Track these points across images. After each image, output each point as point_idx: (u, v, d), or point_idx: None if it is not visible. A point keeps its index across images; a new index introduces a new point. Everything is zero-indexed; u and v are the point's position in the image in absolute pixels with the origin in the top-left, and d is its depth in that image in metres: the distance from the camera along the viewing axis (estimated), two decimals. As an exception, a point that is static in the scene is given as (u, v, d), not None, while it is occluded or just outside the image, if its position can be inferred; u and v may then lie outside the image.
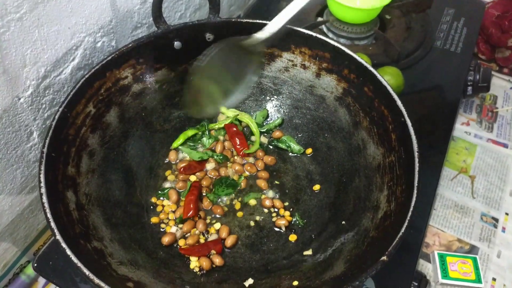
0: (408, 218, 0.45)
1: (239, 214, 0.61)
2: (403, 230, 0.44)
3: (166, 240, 0.56)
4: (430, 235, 0.80)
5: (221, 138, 0.68)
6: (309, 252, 0.55)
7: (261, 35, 0.53)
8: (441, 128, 0.76)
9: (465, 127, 0.96)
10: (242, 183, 0.63)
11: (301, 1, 0.51)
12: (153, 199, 0.61)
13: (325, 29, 0.89)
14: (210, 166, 0.65)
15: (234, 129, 0.67)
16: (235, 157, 0.66)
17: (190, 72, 0.59)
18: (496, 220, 0.82)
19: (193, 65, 0.57)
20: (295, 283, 0.50)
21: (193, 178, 0.63)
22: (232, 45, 0.55)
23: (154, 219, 0.59)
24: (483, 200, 0.85)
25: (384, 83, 0.56)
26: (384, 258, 0.42)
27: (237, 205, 0.61)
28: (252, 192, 0.62)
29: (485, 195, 0.85)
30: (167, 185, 0.63)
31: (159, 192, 0.62)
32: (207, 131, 0.67)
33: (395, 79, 0.74)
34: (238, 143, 0.66)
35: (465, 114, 0.99)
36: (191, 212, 0.58)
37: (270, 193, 0.62)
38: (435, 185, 0.69)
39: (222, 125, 0.68)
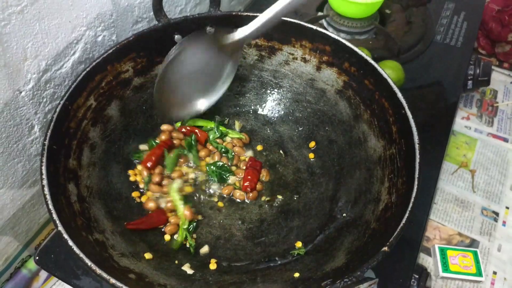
0: (409, 209, 0.45)
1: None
2: (404, 221, 0.44)
3: (148, 205, 0.58)
4: (430, 229, 0.80)
5: (228, 139, 0.67)
6: (309, 246, 0.55)
7: (243, 32, 0.53)
8: (441, 122, 0.77)
9: (465, 122, 0.96)
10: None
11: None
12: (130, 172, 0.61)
13: (325, 24, 0.89)
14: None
15: (257, 166, 0.64)
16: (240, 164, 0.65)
17: (161, 67, 0.57)
18: (497, 214, 0.82)
19: (165, 58, 0.56)
20: (296, 274, 0.50)
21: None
22: (208, 39, 0.54)
23: (134, 193, 0.59)
24: (484, 194, 0.85)
25: (385, 75, 0.56)
26: (385, 248, 0.42)
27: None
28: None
29: (486, 189, 0.85)
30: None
31: (135, 155, 0.62)
32: (215, 128, 0.66)
33: (396, 73, 0.74)
34: (248, 180, 0.62)
35: (465, 109, 0.99)
36: (150, 164, 0.59)
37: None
38: (436, 179, 0.70)
39: (236, 136, 0.67)
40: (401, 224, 0.44)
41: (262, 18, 0.51)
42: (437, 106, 0.79)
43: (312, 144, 0.66)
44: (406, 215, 0.44)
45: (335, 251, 0.51)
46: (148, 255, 0.52)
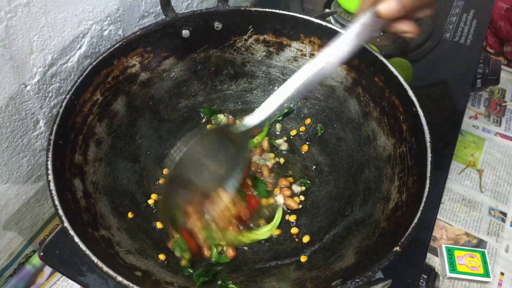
0: (421, 208, 0.44)
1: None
2: (416, 220, 0.43)
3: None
4: (437, 229, 0.79)
5: None
6: (317, 245, 0.54)
7: (251, 121, 0.49)
8: (450, 121, 0.75)
9: (473, 121, 0.95)
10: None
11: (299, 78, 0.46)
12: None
13: (332, 21, 0.88)
14: None
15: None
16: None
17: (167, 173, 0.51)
18: (504, 214, 0.81)
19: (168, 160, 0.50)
20: (305, 273, 0.50)
21: None
22: (216, 132, 0.51)
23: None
24: (491, 194, 0.84)
25: (395, 72, 0.55)
26: (397, 248, 0.42)
27: None
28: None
29: (493, 189, 0.85)
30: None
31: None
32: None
33: (404, 71, 0.73)
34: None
35: (473, 108, 0.98)
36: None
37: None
38: (444, 178, 0.69)
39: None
40: (413, 224, 0.43)
41: (270, 109, 0.48)
42: (445, 104, 0.78)
43: (307, 121, 0.66)
44: (418, 214, 0.43)
45: (344, 250, 0.50)
46: (162, 256, 0.51)
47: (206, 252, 0.54)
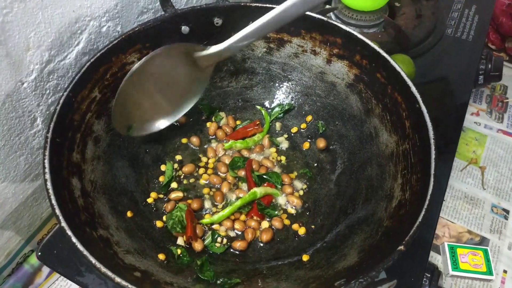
0: (425, 206, 0.43)
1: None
2: (420, 218, 0.42)
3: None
4: (439, 226, 0.79)
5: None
6: (319, 244, 0.54)
7: (216, 48, 0.50)
8: (452, 118, 0.75)
9: (475, 118, 0.95)
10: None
11: (267, 17, 0.44)
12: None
13: (333, 17, 0.87)
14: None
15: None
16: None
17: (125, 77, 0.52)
18: (507, 211, 0.81)
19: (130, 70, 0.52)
20: (307, 272, 0.49)
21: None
22: (178, 52, 0.52)
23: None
24: (494, 192, 0.83)
25: (398, 68, 0.54)
26: (401, 247, 0.41)
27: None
28: None
29: (496, 186, 0.84)
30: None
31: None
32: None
33: (406, 67, 0.72)
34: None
35: (474, 104, 0.97)
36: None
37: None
38: (447, 176, 0.68)
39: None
40: (418, 222, 0.42)
41: (239, 35, 0.47)
42: (447, 101, 0.78)
43: (309, 118, 0.66)
44: (423, 212, 0.43)
45: (347, 249, 0.50)
46: (161, 256, 0.51)
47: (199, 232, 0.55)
